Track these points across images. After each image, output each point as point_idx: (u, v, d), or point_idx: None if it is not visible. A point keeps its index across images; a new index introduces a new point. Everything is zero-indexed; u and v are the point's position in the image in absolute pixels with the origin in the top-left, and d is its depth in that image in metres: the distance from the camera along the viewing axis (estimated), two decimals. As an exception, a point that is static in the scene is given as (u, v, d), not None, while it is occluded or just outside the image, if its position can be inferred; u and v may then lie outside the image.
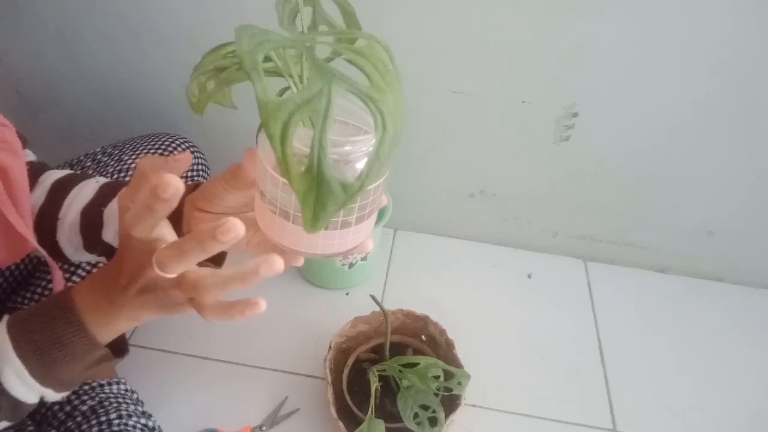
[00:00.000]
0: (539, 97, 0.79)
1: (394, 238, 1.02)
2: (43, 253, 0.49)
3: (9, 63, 0.89)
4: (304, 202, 0.27)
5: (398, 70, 0.30)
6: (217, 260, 0.53)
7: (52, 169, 0.56)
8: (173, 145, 0.79)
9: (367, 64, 0.29)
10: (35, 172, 0.54)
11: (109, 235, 0.51)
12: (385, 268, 0.97)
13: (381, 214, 0.81)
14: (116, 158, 0.76)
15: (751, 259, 0.94)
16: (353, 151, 0.32)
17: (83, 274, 0.71)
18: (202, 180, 0.82)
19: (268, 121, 0.26)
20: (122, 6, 0.79)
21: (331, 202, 0.27)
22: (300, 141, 0.31)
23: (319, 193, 0.27)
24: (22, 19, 0.83)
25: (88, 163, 0.76)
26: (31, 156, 0.55)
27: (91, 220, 0.51)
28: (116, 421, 0.60)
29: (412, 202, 0.98)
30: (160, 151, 0.77)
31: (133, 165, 0.74)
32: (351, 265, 0.87)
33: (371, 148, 0.32)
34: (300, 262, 0.41)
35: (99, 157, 0.77)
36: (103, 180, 0.55)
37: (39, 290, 0.70)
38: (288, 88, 0.35)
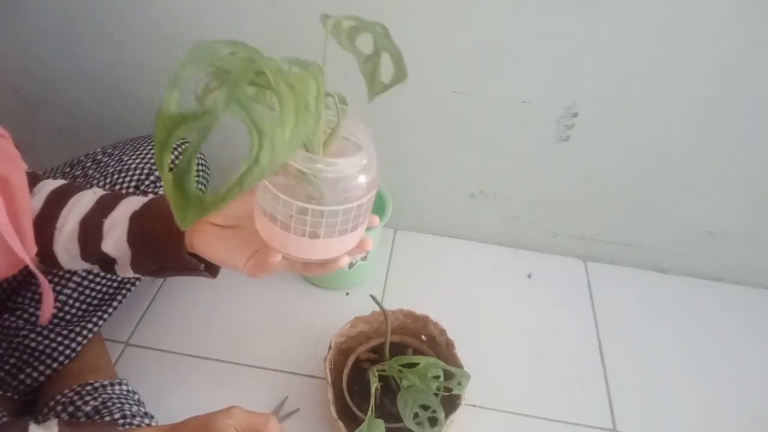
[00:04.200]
0: (539, 97, 0.79)
1: (394, 238, 1.02)
2: (39, 276, 0.49)
3: (9, 63, 0.89)
4: (171, 202, 0.30)
5: (320, 112, 0.31)
6: (212, 272, 0.53)
7: (46, 178, 0.57)
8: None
9: (289, 96, 0.30)
10: (30, 181, 0.54)
11: (108, 245, 0.52)
12: (385, 268, 0.97)
13: (381, 214, 0.81)
14: (116, 158, 0.76)
15: (751, 259, 0.94)
16: (342, 170, 0.37)
17: (78, 279, 0.71)
18: (203, 181, 0.82)
19: (157, 126, 0.29)
20: (122, 6, 0.79)
21: (189, 210, 0.30)
22: (300, 161, 0.36)
23: (179, 199, 0.30)
24: (22, 19, 0.83)
25: (88, 163, 0.76)
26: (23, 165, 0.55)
27: (90, 230, 0.52)
28: (121, 421, 0.61)
29: (412, 202, 0.98)
30: None
31: (133, 165, 0.74)
32: (351, 265, 0.87)
33: (358, 167, 0.38)
34: (279, 258, 0.44)
35: (99, 157, 0.77)
36: (100, 191, 0.55)
37: (40, 290, 0.70)
38: None
